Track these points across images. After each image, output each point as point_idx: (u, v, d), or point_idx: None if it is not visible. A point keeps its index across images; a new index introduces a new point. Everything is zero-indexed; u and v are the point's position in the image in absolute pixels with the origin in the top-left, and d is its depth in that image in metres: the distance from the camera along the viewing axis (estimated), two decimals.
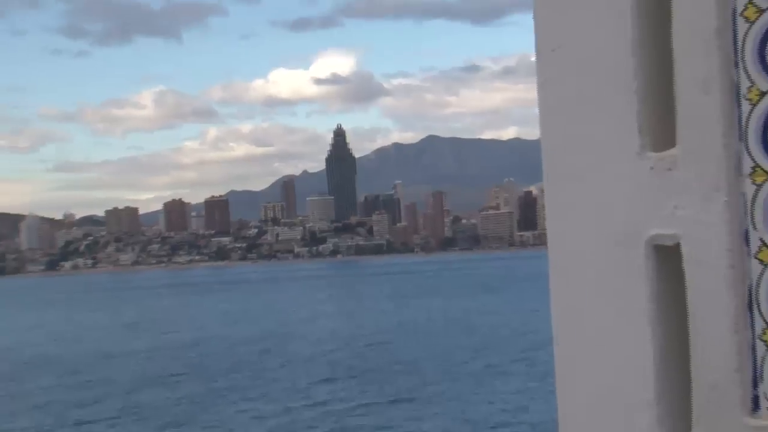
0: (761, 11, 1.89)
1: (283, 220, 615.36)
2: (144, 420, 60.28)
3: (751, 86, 1.90)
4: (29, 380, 79.30)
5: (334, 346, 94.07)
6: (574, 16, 2.04)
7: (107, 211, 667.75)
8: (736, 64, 1.91)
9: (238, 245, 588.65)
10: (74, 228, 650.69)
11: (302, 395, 66.74)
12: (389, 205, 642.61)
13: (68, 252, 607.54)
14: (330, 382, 71.65)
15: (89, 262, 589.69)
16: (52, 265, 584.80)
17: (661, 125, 1.98)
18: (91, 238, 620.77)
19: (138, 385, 73.01)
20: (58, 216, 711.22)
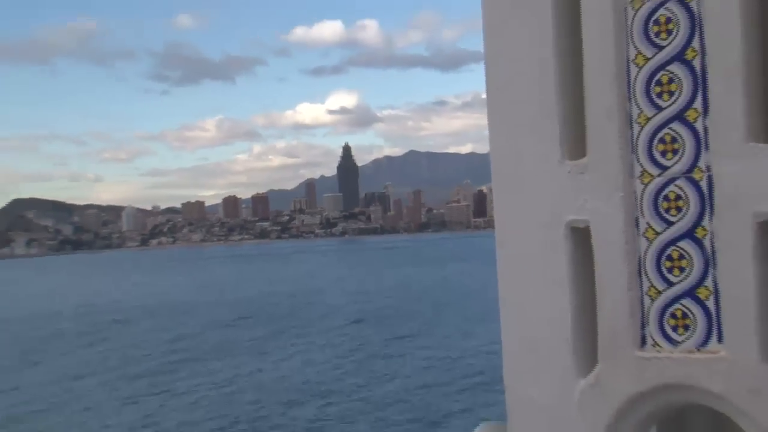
0: (647, 59, 1.88)
1: (306, 210, 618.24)
2: (221, 351, 61.01)
3: (640, 113, 1.89)
4: (134, 323, 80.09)
5: (352, 299, 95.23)
6: (511, 66, 2.02)
7: (183, 204, 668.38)
8: (629, 98, 1.90)
9: (275, 228, 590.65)
10: (159, 216, 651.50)
11: (337, 332, 67.93)
12: (382, 200, 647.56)
13: (155, 233, 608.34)
14: (357, 322, 73.05)
15: (170, 239, 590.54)
16: (144, 242, 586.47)
17: (575, 141, 1.97)
18: (171, 223, 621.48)
19: (211, 326, 73.81)
20: (148, 207, 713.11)
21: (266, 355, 57.44)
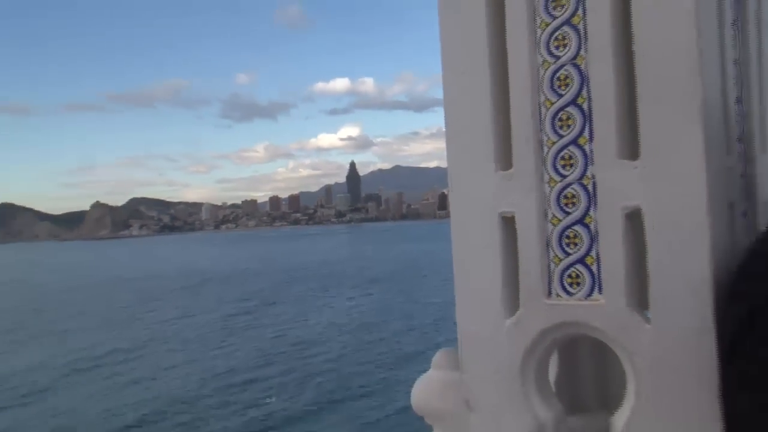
0: (552, 103, 1.87)
1: (325, 206, 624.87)
2: (278, 302, 62.89)
3: (548, 139, 1.87)
4: (213, 285, 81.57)
5: (365, 264, 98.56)
6: (461, 108, 2.00)
7: (242, 201, 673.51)
8: (541, 129, 1.88)
9: (304, 217, 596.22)
10: (227, 210, 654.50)
11: (357, 289, 70.67)
12: (376, 199, 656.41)
13: (224, 221, 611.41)
14: (371, 281, 75.36)
15: (233, 226, 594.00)
16: (216, 227, 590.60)
17: (505, 158, 1.95)
18: (234, 214, 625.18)
19: (270, 286, 75.76)
20: (219, 204, 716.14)
21: (324, 301, 62.05)
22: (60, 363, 40.05)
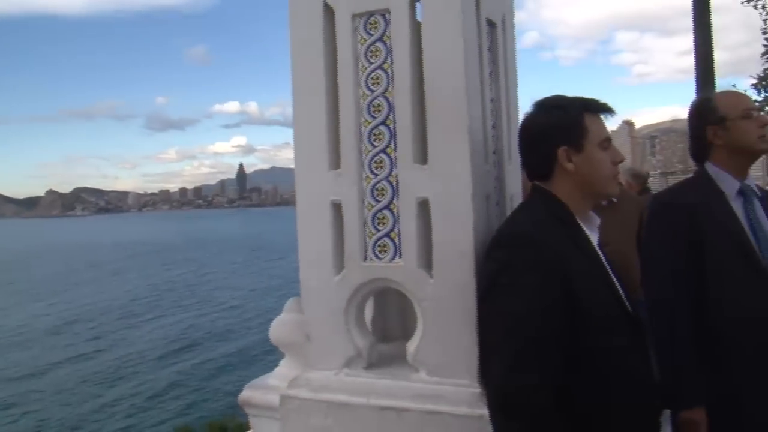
0: (369, 123, 1.95)
1: (221, 195, 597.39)
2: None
3: (365, 148, 1.95)
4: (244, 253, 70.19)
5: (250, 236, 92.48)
6: (305, 123, 2.01)
7: (160, 191, 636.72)
8: (361, 140, 1.95)
9: (205, 204, 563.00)
10: (147, 197, 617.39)
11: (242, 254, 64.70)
12: (259, 191, 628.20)
13: (144, 205, 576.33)
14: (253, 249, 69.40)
15: (152, 209, 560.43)
16: (140, 210, 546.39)
17: (336, 160, 1.99)
18: (153, 200, 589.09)
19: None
20: (141, 192, 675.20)
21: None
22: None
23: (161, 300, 37.24)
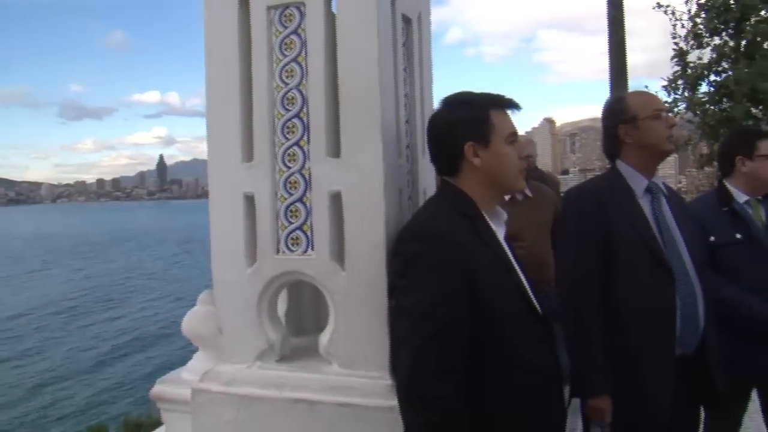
0: (282, 115, 1.93)
1: (140, 187, 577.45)
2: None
3: (279, 141, 1.94)
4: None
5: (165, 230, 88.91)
6: (217, 114, 1.97)
7: (75, 182, 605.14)
8: (274, 132, 1.94)
9: (123, 195, 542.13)
10: (62, 188, 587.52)
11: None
12: (179, 183, 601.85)
13: (59, 197, 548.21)
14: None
15: (67, 201, 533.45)
16: (53, 201, 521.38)
17: (249, 152, 1.97)
18: (68, 192, 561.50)
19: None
20: (55, 183, 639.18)
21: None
22: None
23: (87, 298, 35.69)
